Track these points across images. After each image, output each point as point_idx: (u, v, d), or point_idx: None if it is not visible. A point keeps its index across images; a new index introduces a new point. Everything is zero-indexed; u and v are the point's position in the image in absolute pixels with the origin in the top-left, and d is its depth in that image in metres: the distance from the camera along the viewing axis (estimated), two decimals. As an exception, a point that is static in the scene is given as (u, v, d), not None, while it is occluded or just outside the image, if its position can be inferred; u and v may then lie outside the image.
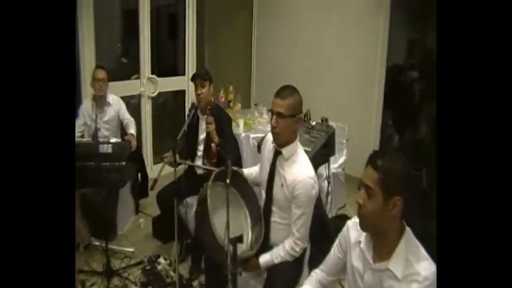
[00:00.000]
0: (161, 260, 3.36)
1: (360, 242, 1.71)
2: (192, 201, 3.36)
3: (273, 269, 2.35)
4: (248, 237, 2.40)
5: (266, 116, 4.67)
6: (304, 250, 2.41)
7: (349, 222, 1.82)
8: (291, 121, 2.21)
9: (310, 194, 2.21)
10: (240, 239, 1.91)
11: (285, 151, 2.28)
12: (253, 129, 4.40)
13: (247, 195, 2.45)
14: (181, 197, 3.39)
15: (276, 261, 2.31)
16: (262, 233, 2.32)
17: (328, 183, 3.62)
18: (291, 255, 2.31)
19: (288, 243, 2.31)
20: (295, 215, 2.25)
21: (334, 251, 1.89)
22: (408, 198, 1.48)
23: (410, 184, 1.52)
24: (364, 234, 1.70)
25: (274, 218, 2.39)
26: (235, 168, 2.28)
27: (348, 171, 4.66)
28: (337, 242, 1.89)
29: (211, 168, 2.76)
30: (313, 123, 3.39)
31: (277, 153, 2.33)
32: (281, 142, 2.27)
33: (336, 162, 4.14)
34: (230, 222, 1.90)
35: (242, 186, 2.44)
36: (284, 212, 2.34)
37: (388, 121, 5.36)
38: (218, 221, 2.08)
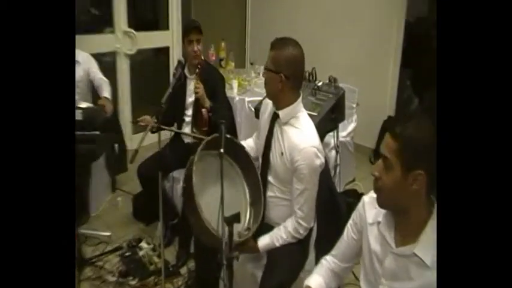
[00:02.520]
0: (143, 244, 3.32)
1: (378, 222, 1.67)
2: (178, 175, 3.38)
3: (274, 253, 2.33)
4: (246, 216, 2.39)
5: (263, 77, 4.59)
6: (310, 230, 2.39)
7: (365, 198, 1.77)
8: (273, 78, 2.19)
9: (313, 165, 2.18)
10: (237, 217, 1.87)
11: (282, 114, 2.26)
12: (249, 91, 4.35)
13: (246, 166, 2.42)
14: (166, 171, 3.37)
15: (277, 245, 2.30)
16: (262, 212, 2.31)
17: (337, 152, 3.61)
18: (294, 237, 2.29)
19: (290, 224, 2.29)
20: (297, 190, 2.23)
21: (348, 233, 1.85)
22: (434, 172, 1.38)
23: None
24: (383, 212, 1.65)
25: (273, 191, 2.38)
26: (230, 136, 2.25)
27: (357, 141, 4.68)
28: (350, 221, 1.84)
29: (201, 136, 2.72)
30: (320, 83, 3.32)
31: (275, 116, 2.32)
32: (273, 100, 2.28)
33: (345, 130, 4.12)
34: (225, 199, 1.87)
35: (239, 155, 2.40)
36: (284, 185, 2.33)
37: (406, 82, 5.32)
38: (211, 199, 2.04)
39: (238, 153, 2.40)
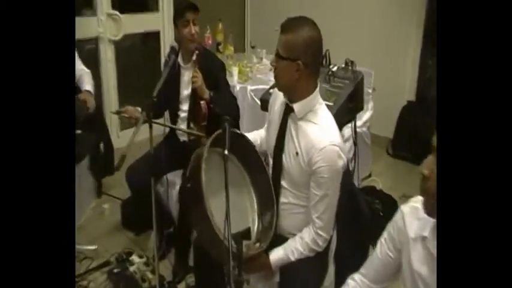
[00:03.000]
0: (134, 258, 3.17)
1: (424, 237, 1.54)
2: (173, 178, 3.26)
3: (288, 269, 2.22)
4: (254, 227, 2.29)
5: (266, 61, 4.52)
6: (329, 240, 2.27)
7: (404, 208, 1.64)
8: (288, 66, 2.05)
9: (334, 167, 2.06)
10: (246, 234, 1.85)
11: (298, 107, 2.13)
12: (251, 79, 4.25)
13: (255, 169, 2.31)
14: (160, 173, 3.21)
15: (292, 259, 2.19)
16: (274, 223, 2.21)
17: (355, 144, 3.49)
18: (312, 250, 2.18)
19: (307, 234, 2.18)
20: (316, 196, 2.11)
21: (382, 249, 1.74)
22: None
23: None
24: (430, 224, 1.52)
25: (286, 197, 2.26)
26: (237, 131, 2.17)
27: (373, 130, 4.56)
28: (385, 235, 1.73)
29: (199, 134, 2.66)
30: (335, 68, 3.15)
31: (288, 110, 2.19)
32: (285, 92, 2.17)
33: (359, 119, 3.98)
34: (231, 209, 1.75)
35: (248, 156, 2.28)
36: (300, 189, 2.21)
37: (429, 61, 5.11)
38: (216, 205, 1.94)
39: (246, 154, 2.27)
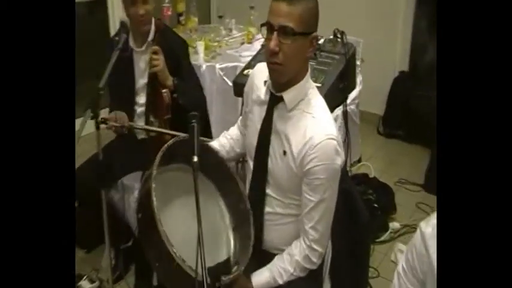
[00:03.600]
0: (84, 284, 2.92)
1: None
2: (130, 182, 3.07)
3: None
4: (230, 246, 2.14)
5: (237, 33, 4.31)
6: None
7: (425, 228, 1.48)
8: (304, 43, 1.83)
9: (333, 166, 1.87)
10: (226, 266, 1.78)
11: (289, 96, 1.91)
12: (221, 55, 4.00)
13: (223, 179, 2.15)
14: (114, 177, 2.99)
15: (280, 282, 1.99)
16: (251, 237, 2.04)
17: (346, 131, 3.28)
18: (304, 269, 1.98)
19: (298, 250, 1.97)
20: (310, 202, 1.91)
21: (401, 281, 1.59)
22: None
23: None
24: None
25: (272, 207, 2.06)
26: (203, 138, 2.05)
27: (362, 107, 4.38)
28: (403, 264, 1.58)
29: (161, 130, 2.52)
30: (321, 40, 2.90)
31: (274, 101, 1.96)
32: (285, 81, 1.90)
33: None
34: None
35: (213, 165, 2.10)
36: (288, 196, 2.02)
37: (422, 23, 5.04)
38: (176, 224, 1.85)
39: (210, 163, 2.08)
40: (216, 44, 4.08)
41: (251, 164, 2.09)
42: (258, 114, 2.04)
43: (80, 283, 2.86)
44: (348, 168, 3.65)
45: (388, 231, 3.63)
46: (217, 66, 3.76)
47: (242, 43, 4.07)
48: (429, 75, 4.83)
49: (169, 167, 1.96)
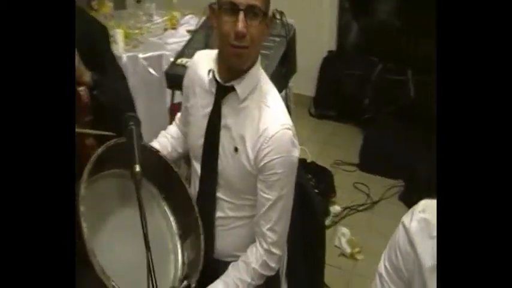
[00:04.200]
0: None
1: None
2: None
3: None
4: (177, 259, 1.85)
5: (159, 19, 3.98)
6: None
7: (410, 224, 1.30)
8: (265, 24, 1.64)
9: (290, 158, 1.67)
10: None
11: (241, 86, 1.68)
12: (142, 43, 3.65)
13: (165, 182, 1.86)
14: None
15: None
16: (201, 247, 1.79)
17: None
18: (262, 276, 1.77)
19: (254, 257, 1.76)
20: (267, 201, 1.70)
21: (383, 283, 1.41)
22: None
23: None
24: None
25: (223, 211, 1.85)
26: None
27: (295, 90, 4.11)
28: (386, 265, 1.39)
29: (86, 131, 2.14)
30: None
31: (223, 92, 1.73)
32: (246, 67, 1.69)
33: None
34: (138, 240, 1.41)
35: (153, 167, 1.79)
36: (241, 197, 1.81)
37: (345, 3, 4.90)
38: (112, 241, 1.61)
39: (150, 165, 1.77)
40: (137, 31, 3.74)
41: (197, 165, 1.86)
42: (202, 109, 1.79)
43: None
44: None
45: (330, 216, 3.50)
46: (140, 56, 3.44)
47: (165, 29, 3.77)
48: (355, 55, 4.77)
49: (100, 175, 1.66)
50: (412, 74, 4.32)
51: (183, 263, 1.82)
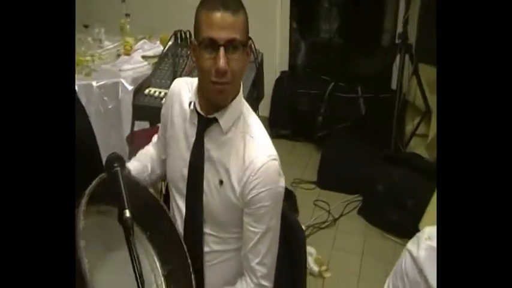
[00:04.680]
0: None
1: None
2: None
3: None
4: None
5: (110, 45, 3.81)
6: None
7: (417, 252, 1.28)
8: (245, 54, 1.57)
9: (277, 189, 1.59)
10: None
11: (224, 117, 1.61)
12: (96, 71, 3.43)
13: (149, 217, 1.71)
14: None
15: None
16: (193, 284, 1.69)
17: None
18: None
19: None
20: (255, 235, 1.61)
21: None
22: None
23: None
24: None
25: (208, 245, 1.73)
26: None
27: None
28: None
29: None
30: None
31: (205, 125, 1.64)
32: (226, 104, 1.61)
33: None
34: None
35: (136, 202, 1.61)
36: (227, 230, 1.71)
37: (293, 24, 4.87)
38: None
39: (136, 201, 1.60)
40: (88, 58, 3.53)
41: (179, 200, 1.74)
42: (184, 141, 1.69)
43: None
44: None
45: (296, 236, 3.38)
46: (94, 84, 3.22)
47: (118, 55, 3.58)
48: (307, 74, 4.75)
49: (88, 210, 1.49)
50: (362, 91, 4.32)
51: None
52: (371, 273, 3.08)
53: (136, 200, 1.63)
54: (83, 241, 1.29)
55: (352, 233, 3.48)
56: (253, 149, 1.57)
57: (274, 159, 1.57)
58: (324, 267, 3.08)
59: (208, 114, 1.59)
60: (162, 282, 1.74)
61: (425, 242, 1.25)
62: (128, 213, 1.36)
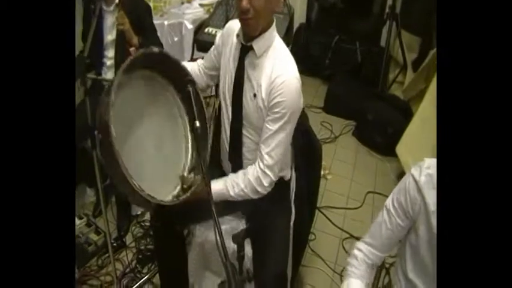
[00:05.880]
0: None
1: None
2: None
3: (256, 215, 1.67)
4: (187, 155, 1.59)
5: None
6: (288, 185, 1.76)
7: (419, 177, 1.19)
8: None
9: (295, 103, 1.47)
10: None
11: (257, 45, 1.49)
12: (166, 13, 3.19)
13: (182, 87, 1.51)
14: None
15: (231, 193, 1.55)
16: (207, 149, 1.56)
17: None
18: (254, 190, 1.54)
19: (251, 171, 1.54)
20: (269, 131, 1.50)
21: (391, 219, 1.28)
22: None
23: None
24: None
25: (249, 145, 1.63)
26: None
27: None
28: (395, 203, 1.26)
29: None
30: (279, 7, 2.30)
31: (245, 50, 1.53)
32: (257, 34, 1.48)
33: None
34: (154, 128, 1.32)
35: (172, 70, 1.49)
36: (258, 134, 1.59)
37: None
38: (140, 143, 1.38)
39: (169, 69, 1.49)
40: (162, 4, 3.28)
41: (225, 105, 1.64)
42: (232, 64, 1.58)
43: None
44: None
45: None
46: (166, 23, 3.03)
47: (182, 2, 3.29)
48: (317, 26, 4.43)
49: (134, 75, 1.38)
50: (359, 44, 4.10)
51: (191, 160, 1.58)
52: (360, 178, 3.02)
53: (170, 70, 1.49)
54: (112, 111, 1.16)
55: (348, 148, 3.37)
56: (279, 69, 1.46)
57: (296, 78, 1.47)
58: (327, 171, 3.01)
59: (247, 43, 1.49)
60: (187, 133, 1.62)
61: (425, 170, 1.17)
62: (198, 123, 1.26)
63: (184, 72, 1.46)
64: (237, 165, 1.65)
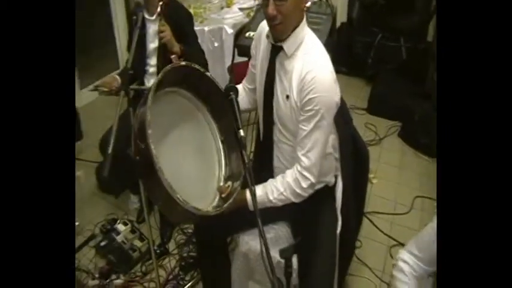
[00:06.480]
0: (119, 227, 2.25)
1: None
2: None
3: (302, 219, 1.60)
4: (221, 168, 1.58)
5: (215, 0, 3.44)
6: (332, 190, 1.68)
7: None
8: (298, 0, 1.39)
9: (328, 98, 1.39)
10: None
11: (287, 45, 1.44)
12: (206, 19, 3.19)
13: (213, 101, 1.55)
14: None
15: (271, 198, 1.48)
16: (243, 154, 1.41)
17: None
18: (294, 193, 1.47)
19: (290, 173, 1.48)
20: (303, 131, 1.43)
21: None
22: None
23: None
24: None
25: (283, 148, 1.57)
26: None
27: None
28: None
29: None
30: (308, 3, 2.18)
31: (275, 51, 1.49)
32: (285, 32, 1.43)
33: None
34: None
35: (203, 88, 1.50)
36: (292, 134, 1.52)
37: None
38: (174, 154, 1.38)
39: (201, 86, 1.50)
40: (202, 10, 3.29)
41: (260, 111, 1.60)
42: (264, 66, 1.53)
43: (115, 226, 2.24)
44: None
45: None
46: (206, 29, 3.03)
47: (222, 7, 3.29)
48: (359, 25, 4.23)
49: (164, 92, 1.39)
50: (404, 41, 3.93)
51: (226, 164, 1.57)
52: (407, 182, 2.88)
53: (212, 90, 1.50)
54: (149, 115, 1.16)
55: (393, 150, 3.21)
56: (309, 65, 1.39)
57: (327, 72, 1.39)
58: (372, 175, 2.89)
59: (276, 43, 1.45)
60: (222, 157, 1.61)
61: None
62: (242, 133, 1.24)
63: (217, 85, 1.47)
64: (268, 170, 1.61)
